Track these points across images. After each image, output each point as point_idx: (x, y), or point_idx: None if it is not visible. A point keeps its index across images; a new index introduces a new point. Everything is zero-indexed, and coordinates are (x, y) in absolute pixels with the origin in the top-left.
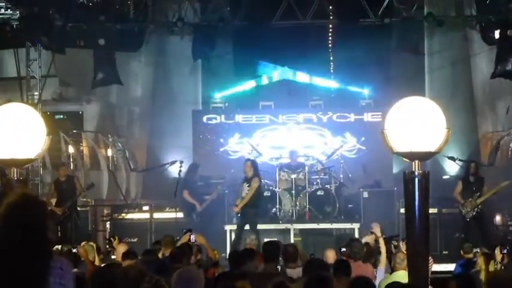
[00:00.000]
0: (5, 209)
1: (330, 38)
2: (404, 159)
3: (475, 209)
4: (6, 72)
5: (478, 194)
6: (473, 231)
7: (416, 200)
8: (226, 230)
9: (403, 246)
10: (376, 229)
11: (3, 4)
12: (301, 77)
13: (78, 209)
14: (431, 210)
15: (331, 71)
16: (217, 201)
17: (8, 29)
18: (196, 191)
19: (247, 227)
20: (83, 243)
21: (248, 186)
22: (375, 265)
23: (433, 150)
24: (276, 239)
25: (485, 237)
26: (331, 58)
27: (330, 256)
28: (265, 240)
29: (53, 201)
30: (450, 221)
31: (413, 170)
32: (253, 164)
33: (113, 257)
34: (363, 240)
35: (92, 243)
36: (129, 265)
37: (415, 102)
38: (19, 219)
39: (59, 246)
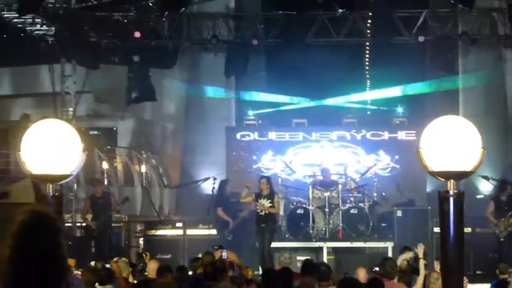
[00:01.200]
0: (18, 228)
1: (367, 56)
2: (440, 178)
3: (508, 229)
4: (41, 87)
5: (511, 213)
6: (507, 251)
7: (451, 220)
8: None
9: (437, 265)
10: (420, 250)
11: (39, 20)
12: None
13: (112, 225)
14: (465, 230)
15: (367, 89)
16: (249, 218)
17: (43, 45)
18: (230, 208)
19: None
20: (115, 259)
21: (270, 202)
22: (409, 285)
23: (468, 169)
24: (307, 258)
25: None
26: (367, 76)
27: (361, 275)
28: (298, 258)
29: (88, 216)
30: (484, 241)
31: (449, 189)
32: (270, 180)
33: (145, 273)
34: (399, 259)
35: (125, 259)
36: (164, 281)
37: (451, 121)
38: (32, 238)
39: (93, 262)
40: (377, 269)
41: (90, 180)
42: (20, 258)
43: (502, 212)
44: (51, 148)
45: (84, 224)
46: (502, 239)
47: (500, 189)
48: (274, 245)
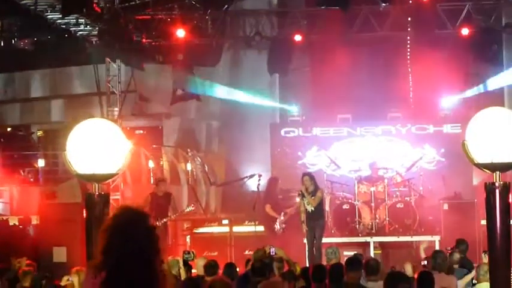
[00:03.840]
0: (114, 222)
1: (409, 49)
2: (485, 170)
3: None
4: (87, 87)
5: None
6: None
7: (498, 212)
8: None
9: (485, 258)
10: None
11: (83, 21)
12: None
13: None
14: None
15: (410, 83)
16: (297, 214)
17: (87, 45)
18: (278, 204)
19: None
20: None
21: (314, 199)
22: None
23: None
24: (355, 252)
25: None
26: (409, 70)
27: (408, 269)
28: (345, 253)
29: None
30: None
31: (495, 181)
32: (312, 176)
33: (193, 270)
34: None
35: (177, 258)
36: (213, 278)
37: (496, 113)
38: (130, 233)
39: None
40: (425, 262)
41: (157, 179)
42: (117, 250)
43: None
44: (96, 148)
45: None
46: None
47: None
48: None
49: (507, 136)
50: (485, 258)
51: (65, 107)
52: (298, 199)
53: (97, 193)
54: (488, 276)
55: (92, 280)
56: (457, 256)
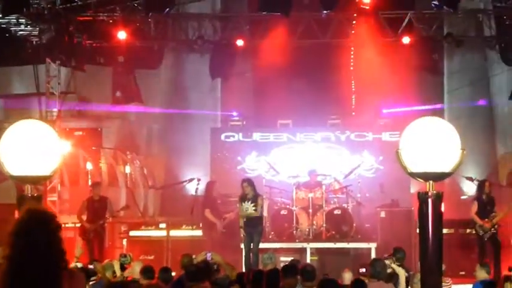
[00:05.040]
0: (18, 226)
1: (352, 56)
2: (419, 179)
3: (492, 229)
4: (26, 88)
5: (493, 214)
6: (489, 251)
7: (430, 221)
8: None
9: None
10: None
11: (24, 21)
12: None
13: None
14: (448, 231)
15: (353, 89)
16: (235, 219)
17: (28, 45)
18: (217, 209)
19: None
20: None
21: (253, 205)
22: (396, 285)
23: (447, 171)
24: (292, 258)
25: (498, 258)
26: (352, 77)
27: (347, 277)
28: (282, 258)
29: (84, 218)
30: (468, 242)
31: (428, 190)
32: (252, 182)
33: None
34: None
35: (111, 261)
36: (148, 283)
37: (430, 122)
38: (33, 235)
39: (78, 263)
40: (363, 270)
41: (92, 183)
42: (19, 255)
43: (485, 212)
44: (30, 149)
45: (78, 225)
46: (486, 239)
47: (479, 189)
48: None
49: (441, 146)
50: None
51: (4, 107)
52: (232, 213)
53: (30, 195)
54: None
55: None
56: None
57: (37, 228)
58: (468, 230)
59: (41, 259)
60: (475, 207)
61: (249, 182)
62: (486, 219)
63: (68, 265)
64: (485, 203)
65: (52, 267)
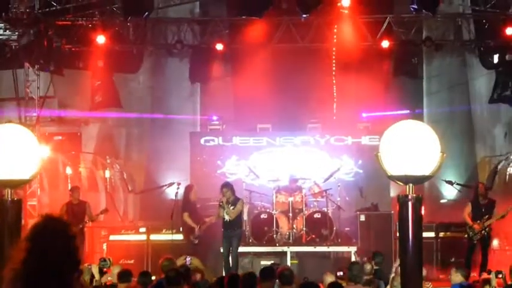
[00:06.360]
0: (31, 231)
1: (334, 61)
2: (399, 182)
3: (482, 232)
4: (5, 92)
5: (487, 216)
6: (476, 254)
7: (410, 224)
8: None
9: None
10: None
11: (2, 25)
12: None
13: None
14: (428, 234)
15: (334, 94)
16: (215, 223)
17: (6, 50)
18: (196, 213)
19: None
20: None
21: (233, 208)
22: None
23: (427, 174)
24: (272, 262)
25: (485, 260)
26: (334, 81)
27: (329, 280)
28: (262, 262)
29: None
30: (448, 245)
31: (407, 193)
32: (231, 187)
33: (109, 278)
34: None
35: (88, 265)
36: (126, 287)
37: (409, 125)
38: (45, 241)
39: None
40: (341, 273)
41: (71, 188)
42: (33, 261)
43: (479, 214)
44: (9, 153)
45: None
46: (475, 242)
47: (474, 192)
48: (238, 249)
49: (420, 149)
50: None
51: None
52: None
53: (10, 199)
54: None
55: None
56: (368, 267)
57: (54, 235)
58: (448, 234)
59: (55, 266)
60: (468, 208)
61: (228, 187)
62: (478, 222)
63: (80, 275)
64: (481, 206)
65: (66, 275)
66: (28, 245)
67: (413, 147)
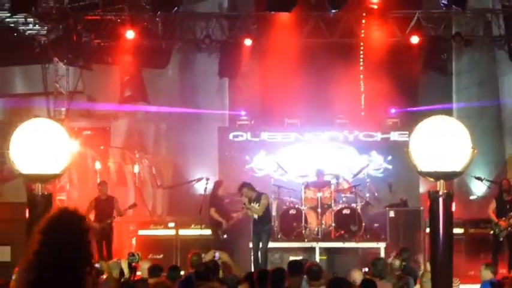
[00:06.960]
0: (48, 226)
1: (362, 56)
2: (429, 178)
3: (508, 228)
4: (34, 87)
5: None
6: (504, 251)
7: (441, 220)
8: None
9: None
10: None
11: (32, 20)
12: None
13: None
14: (457, 231)
15: (361, 89)
16: (243, 219)
17: (36, 45)
18: (224, 208)
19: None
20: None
21: (258, 205)
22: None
23: (458, 170)
24: (301, 258)
25: None
26: (361, 76)
27: (357, 277)
28: (291, 258)
29: (91, 217)
30: (477, 242)
31: (438, 189)
32: (250, 185)
33: (138, 273)
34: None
35: (117, 260)
36: (155, 281)
37: (440, 121)
38: (59, 233)
39: None
40: (366, 269)
41: (99, 182)
42: (48, 255)
43: (504, 211)
44: (40, 148)
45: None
46: (501, 239)
47: (501, 188)
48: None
49: (451, 145)
50: (429, 267)
51: (11, 107)
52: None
53: (40, 193)
54: (430, 284)
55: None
56: (397, 263)
57: (68, 230)
58: (477, 230)
59: (69, 261)
60: (492, 205)
61: (247, 186)
62: (503, 218)
63: (92, 270)
64: (506, 202)
65: (79, 270)
66: (43, 238)
67: (444, 143)
